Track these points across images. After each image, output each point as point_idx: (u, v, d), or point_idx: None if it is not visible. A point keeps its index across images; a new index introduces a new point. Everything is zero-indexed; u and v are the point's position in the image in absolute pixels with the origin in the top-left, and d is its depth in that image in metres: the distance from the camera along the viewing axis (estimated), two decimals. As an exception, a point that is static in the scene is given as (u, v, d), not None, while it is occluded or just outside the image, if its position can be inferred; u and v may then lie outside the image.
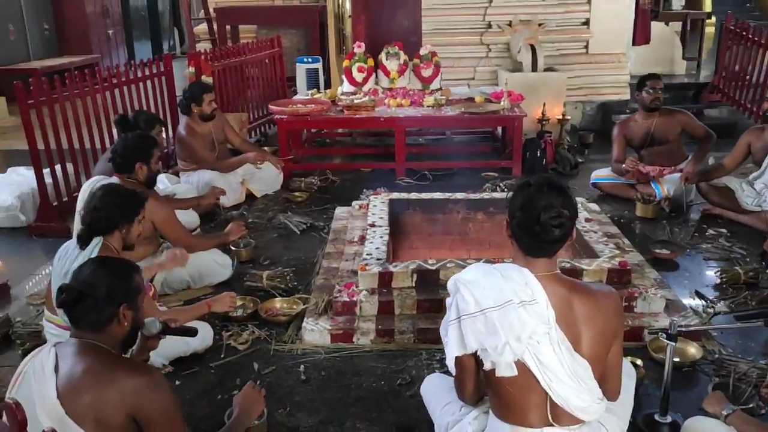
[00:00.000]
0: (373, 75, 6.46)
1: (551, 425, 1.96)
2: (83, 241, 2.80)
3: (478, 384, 2.09)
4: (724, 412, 2.19)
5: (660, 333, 2.38)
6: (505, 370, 1.89)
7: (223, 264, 3.84)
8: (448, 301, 2.02)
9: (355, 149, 6.63)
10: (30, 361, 1.89)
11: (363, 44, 6.46)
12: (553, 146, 5.91)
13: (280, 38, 7.72)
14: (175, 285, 3.69)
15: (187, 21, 9.76)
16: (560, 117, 6.56)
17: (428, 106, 5.93)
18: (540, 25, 7.14)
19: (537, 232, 1.90)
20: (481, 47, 7.31)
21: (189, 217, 4.52)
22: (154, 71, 5.97)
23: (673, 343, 2.36)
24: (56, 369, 1.81)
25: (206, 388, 2.83)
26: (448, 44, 7.24)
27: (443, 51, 7.21)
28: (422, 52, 6.43)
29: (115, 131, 4.82)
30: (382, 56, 6.43)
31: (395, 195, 4.40)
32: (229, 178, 5.14)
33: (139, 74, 5.76)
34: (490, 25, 7.26)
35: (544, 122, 6.51)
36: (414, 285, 3.29)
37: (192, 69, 6.19)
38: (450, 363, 2.03)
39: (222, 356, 3.05)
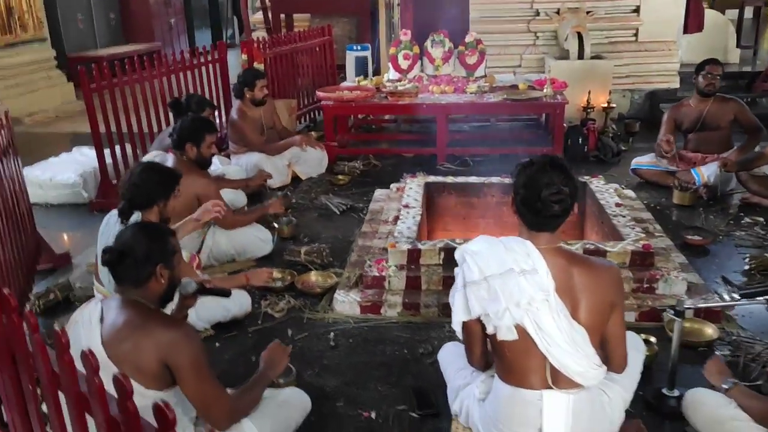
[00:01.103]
0: (419, 62, 6.61)
1: (550, 388, 2.10)
2: (125, 215, 3.03)
3: (485, 350, 2.24)
4: (725, 386, 2.28)
5: (668, 309, 2.47)
6: (506, 333, 2.04)
7: (264, 239, 4.07)
8: (456, 270, 2.17)
9: (398, 135, 6.78)
10: (80, 312, 2.14)
11: (409, 32, 6.61)
12: (596, 133, 5.93)
13: (330, 27, 7.93)
14: (220, 258, 3.95)
15: (244, 10, 10.07)
16: (605, 105, 6.57)
17: (471, 93, 6.03)
18: (588, 12, 7.12)
19: (539, 208, 2.03)
20: (528, 35, 7.34)
21: (237, 197, 4.79)
22: (209, 59, 6.27)
23: (680, 319, 2.44)
24: (101, 320, 2.06)
25: (243, 351, 3.05)
26: (495, 32, 7.30)
27: (490, 39, 7.29)
28: (467, 39, 6.53)
29: (171, 114, 5.15)
30: (428, 43, 6.56)
31: (431, 178, 4.54)
32: (276, 160, 5.38)
33: (195, 61, 6.06)
34: (538, 13, 7.28)
35: (589, 110, 6.53)
36: (441, 262, 3.44)
37: (245, 56, 6.48)
38: (456, 328, 2.17)
39: (259, 322, 3.28)
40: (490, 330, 2.07)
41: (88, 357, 1.40)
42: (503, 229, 4.38)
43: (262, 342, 3.10)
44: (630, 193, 4.63)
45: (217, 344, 3.12)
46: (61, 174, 5.09)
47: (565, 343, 2.02)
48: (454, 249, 3.37)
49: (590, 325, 2.06)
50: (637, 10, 7.18)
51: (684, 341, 2.91)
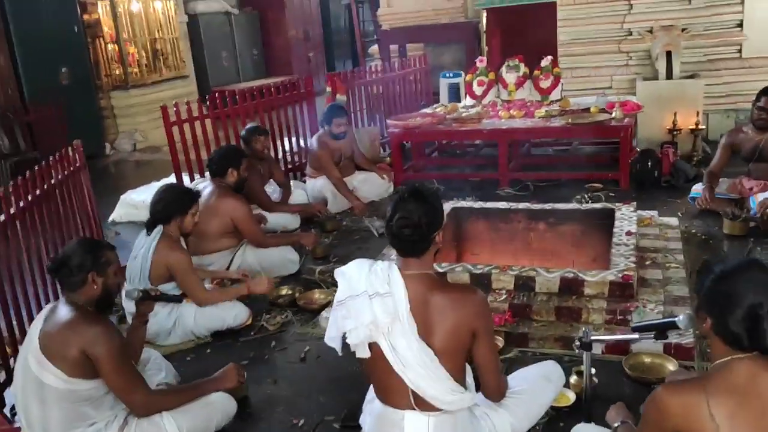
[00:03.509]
0: (495, 88, 6.67)
1: (413, 409, 2.20)
2: (148, 228, 3.56)
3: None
4: (615, 424, 2.22)
5: (576, 341, 2.44)
6: (360, 351, 2.19)
7: (292, 259, 4.41)
8: None
9: (472, 160, 6.86)
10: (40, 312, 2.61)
11: (485, 59, 6.71)
12: (671, 157, 5.62)
13: (425, 57, 8.23)
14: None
15: (359, 42, 10.65)
16: (693, 126, 6.18)
17: (539, 117, 5.99)
18: (683, 30, 6.74)
19: (394, 233, 2.16)
20: (620, 55, 7.10)
21: (291, 220, 5.22)
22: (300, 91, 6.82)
23: (587, 351, 2.41)
24: (46, 319, 2.50)
25: (228, 359, 3.36)
26: (585, 53, 7.17)
27: (580, 61, 7.19)
28: (543, 63, 6.49)
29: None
30: (503, 69, 6.61)
31: (460, 203, 4.64)
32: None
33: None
34: (630, 33, 7.03)
35: (675, 132, 6.21)
36: (424, 285, 3.56)
37: (329, 89, 6.95)
38: (330, 343, 2.32)
39: (252, 333, 3.62)
40: (352, 347, 2.22)
41: None
42: (530, 254, 4.37)
43: (245, 352, 3.45)
44: (672, 221, 4.40)
45: (208, 350, 3.51)
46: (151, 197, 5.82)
47: (416, 364, 2.12)
48: (438, 273, 3.54)
49: (444, 349, 2.14)
50: (740, 25, 6.68)
51: (639, 377, 2.83)
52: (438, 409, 2.19)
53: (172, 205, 3.56)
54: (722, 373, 1.75)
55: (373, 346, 2.18)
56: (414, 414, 2.20)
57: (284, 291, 4.00)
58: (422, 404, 2.18)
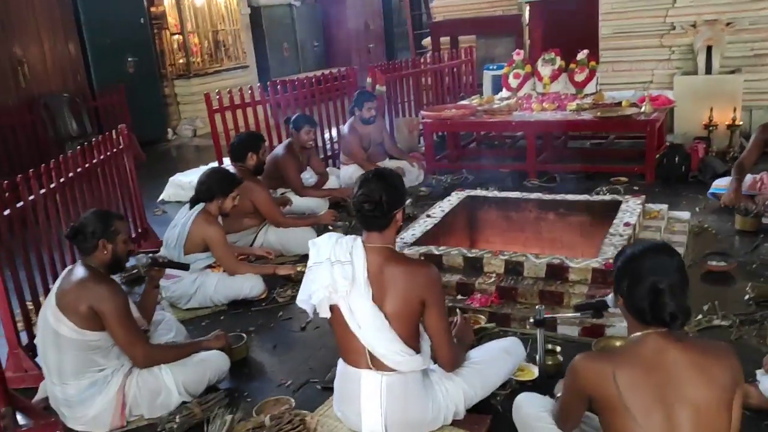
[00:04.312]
0: (531, 80, 6.76)
1: (370, 368, 2.44)
2: (191, 204, 3.93)
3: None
4: (558, 394, 2.39)
5: (530, 319, 2.62)
6: (323, 311, 2.45)
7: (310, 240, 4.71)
8: None
9: (504, 151, 6.98)
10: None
11: (522, 52, 6.81)
12: (700, 153, 5.59)
13: (472, 49, 8.38)
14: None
15: (410, 34, 10.84)
16: (730, 122, 6.10)
17: (570, 110, 6.06)
18: (728, 24, 6.62)
19: (357, 209, 2.41)
20: (662, 50, 7.04)
21: (320, 203, 5.51)
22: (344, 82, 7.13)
23: (540, 328, 2.58)
24: (64, 278, 2.86)
25: (238, 326, 3.70)
26: (626, 47, 7.14)
27: (622, 55, 7.17)
28: (579, 57, 6.54)
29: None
30: (539, 62, 6.69)
31: (473, 192, 4.81)
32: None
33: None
34: (673, 27, 6.95)
35: (711, 128, 6.15)
36: (422, 266, 3.78)
37: (369, 79, 7.22)
38: (301, 305, 2.57)
39: (264, 304, 3.94)
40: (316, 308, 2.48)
41: None
42: (540, 243, 4.50)
43: (253, 321, 3.76)
44: (683, 215, 4.45)
45: (222, 317, 3.84)
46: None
47: (370, 327, 2.37)
48: (434, 255, 3.75)
49: (395, 314, 2.38)
50: (789, 18, 6.51)
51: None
52: (392, 370, 2.42)
53: (216, 187, 3.92)
54: (632, 346, 1.91)
55: (335, 309, 2.43)
56: (370, 372, 2.44)
57: (299, 268, 4.29)
58: (377, 364, 2.42)
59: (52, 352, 2.77)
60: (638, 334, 1.91)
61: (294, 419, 2.53)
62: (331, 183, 5.99)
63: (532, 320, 2.59)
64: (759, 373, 2.51)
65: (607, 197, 4.51)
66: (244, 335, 3.37)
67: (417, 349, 2.45)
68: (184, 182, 6.34)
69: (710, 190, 4.89)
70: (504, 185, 5.68)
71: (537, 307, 2.67)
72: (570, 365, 1.97)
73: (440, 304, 2.43)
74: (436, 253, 3.77)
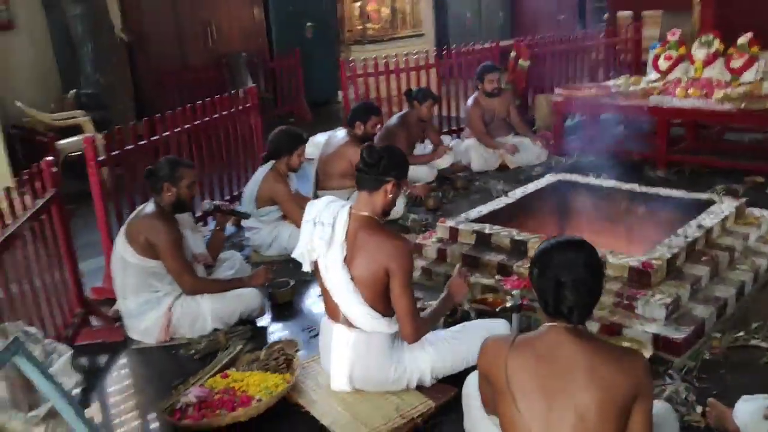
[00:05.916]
0: (683, 63, 6.24)
1: (342, 324, 2.67)
2: (263, 161, 4.39)
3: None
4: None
5: (505, 304, 2.66)
6: (306, 266, 2.71)
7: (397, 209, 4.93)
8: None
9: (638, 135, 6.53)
10: (138, 209, 3.57)
11: (678, 32, 6.29)
12: None
13: (640, 25, 7.92)
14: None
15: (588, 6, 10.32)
16: None
17: (716, 99, 5.54)
18: None
19: (358, 168, 2.64)
20: None
21: (426, 173, 5.70)
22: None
23: (517, 314, 2.61)
24: (136, 213, 3.43)
25: (293, 276, 3.88)
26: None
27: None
28: (740, 41, 5.88)
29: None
30: (694, 45, 6.14)
31: (566, 177, 4.68)
32: (483, 148, 6.03)
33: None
34: None
35: None
36: (474, 243, 3.86)
37: (513, 53, 7.15)
38: (296, 257, 2.83)
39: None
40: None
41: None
42: (609, 236, 4.19)
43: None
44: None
45: (291, 265, 4.23)
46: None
47: (339, 285, 2.60)
48: (485, 234, 3.81)
49: (360, 278, 2.58)
50: None
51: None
52: (359, 329, 2.63)
53: (282, 145, 4.33)
54: (534, 336, 1.96)
55: (317, 265, 2.68)
56: (341, 327, 2.67)
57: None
58: (348, 321, 2.64)
59: (119, 272, 3.36)
60: (545, 325, 1.94)
61: (280, 358, 2.85)
62: (445, 161, 6.06)
63: (508, 305, 2.61)
64: (741, 399, 2.32)
65: (704, 196, 4.16)
66: (291, 281, 3.73)
67: (386, 313, 2.62)
68: (317, 142, 6.84)
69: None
70: (622, 173, 5.35)
71: (513, 292, 2.69)
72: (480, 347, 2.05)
73: (404, 276, 2.55)
74: (487, 232, 3.82)
